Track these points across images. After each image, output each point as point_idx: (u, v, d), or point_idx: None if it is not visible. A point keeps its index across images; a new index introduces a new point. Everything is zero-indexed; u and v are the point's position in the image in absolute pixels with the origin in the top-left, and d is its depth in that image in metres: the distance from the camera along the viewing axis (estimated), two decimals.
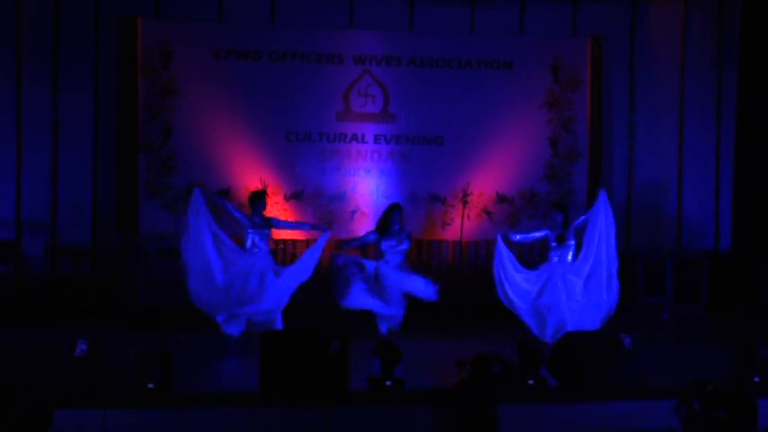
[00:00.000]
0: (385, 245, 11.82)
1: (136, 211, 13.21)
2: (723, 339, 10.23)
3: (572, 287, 10.81)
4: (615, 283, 10.93)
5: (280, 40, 13.62)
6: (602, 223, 10.90)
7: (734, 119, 14.20)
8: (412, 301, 11.82)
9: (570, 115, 14.12)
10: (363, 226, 13.33)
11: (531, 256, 12.75)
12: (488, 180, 13.89)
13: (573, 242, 11.06)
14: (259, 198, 11.58)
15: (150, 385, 7.75)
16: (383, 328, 11.62)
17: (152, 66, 13.31)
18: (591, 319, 10.75)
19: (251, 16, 13.65)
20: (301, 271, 11.42)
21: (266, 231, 11.41)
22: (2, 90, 13.08)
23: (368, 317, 11.57)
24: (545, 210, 13.90)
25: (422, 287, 11.65)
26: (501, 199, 13.88)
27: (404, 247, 11.87)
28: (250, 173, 13.51)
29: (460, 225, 13.64)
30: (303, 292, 11.57)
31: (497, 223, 13.71)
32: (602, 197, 11.03)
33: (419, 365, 9.29)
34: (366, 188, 13.74)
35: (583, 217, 11.18)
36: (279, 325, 11.15)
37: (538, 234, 11.40)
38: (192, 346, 10.25)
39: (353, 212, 13.66)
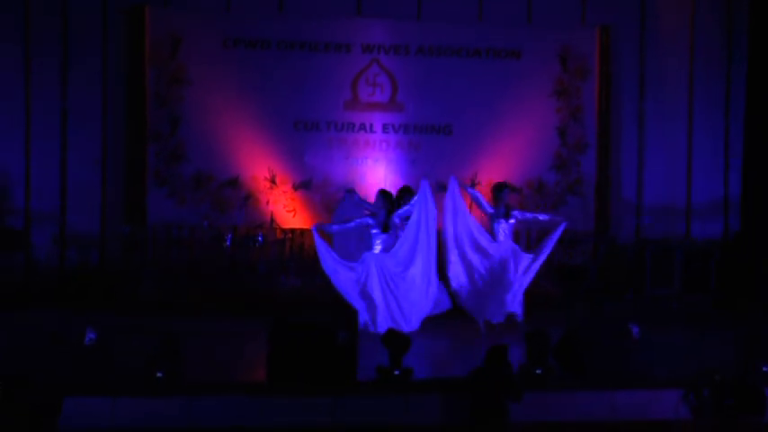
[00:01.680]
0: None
1: (144, 200, 13.22)
2: (731, 329, 10.22)
3: (392, 277, 10.53)
4: (434, 286, 10.68)
5: (287, 29, 13.61)
6: (423, 213, 10.59)
7: (743, 108, 14.15)
8: None
9: (579, 104, 14.10)
10: None
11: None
12: (496, 169, 13.86)
13: (398, 231, 10.77)
14: (502, 189, 11.59)
15: (159, 374, 7.78)
16: None
17: (160, 55, 13.31)
18: (415, 317, 10.57)
19: (259, 5, 13.65)
20: (539, 257, 11.37)
21: (510, 221, 11.43)
22: (10, 80, 13.09)
23: None
24: (553, 199, 13.92)
25: None
26: (509, 188, 13.84)
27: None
28: (258, 162, 13.53)
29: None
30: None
31: None
32: (424, 186, 10.66)
33: (427, 354, 9.30)
34: (374, 177, 13.73)
35: (406, 206, 10.86)
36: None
37: (354, 223, 10.95)
38: (200, 335, 10.25)
39: None
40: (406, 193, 11.77)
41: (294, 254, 13.20)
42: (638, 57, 14.21)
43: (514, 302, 11.14)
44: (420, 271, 10.57)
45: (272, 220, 13.30)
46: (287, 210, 13.51)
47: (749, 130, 14.07)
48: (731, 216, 14.29)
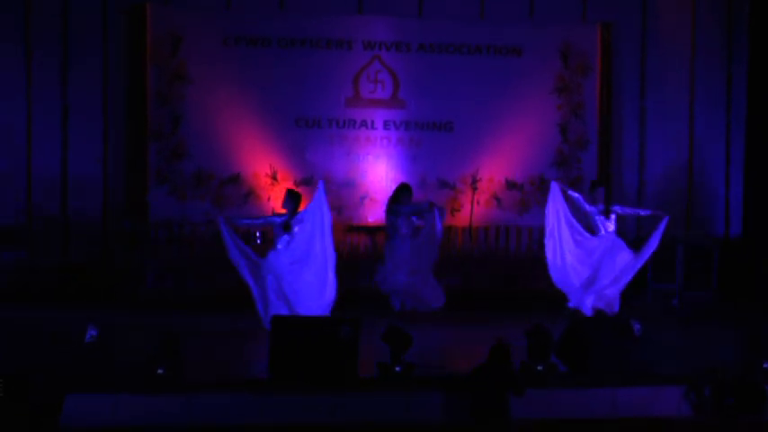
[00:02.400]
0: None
1: (145, 198, 13.23)
2: (733, 326, 10.21)
3: (287, 276, 10.61)
4: (331, 287, 10.71)
5: (289, 26, 13.61)
6: (317, 215, 10.66)
7: (744, 104, 14.15)
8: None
9: (580, 101, 14.09)
10: (372, 212, 13.36)
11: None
12: (498, 166, 13.88)
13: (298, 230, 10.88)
14: (595, 187, 11.79)
15: (160, 371, 7.78)
16: (396, 304, 11.86)
17: (161, 53, 13.30)
18: (316, 306, 10.62)
19: (259, 3, 13.68)
20: (643, 254, 11.59)
21: (610, 218, 11.57)
22: (12, 78, 13.10)
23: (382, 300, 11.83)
24: None
25: None
26: (510, 185, 13.86)
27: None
28: (259, 159, 13.53)
29: (470, 211, 13.65)
30: None
31: (506, 209, 13.75)
32: (320, 187, 10.74)
33: (428, 351, 9.29)
34: (375, 174, 13.74)
35: (307, 208, 10.93)
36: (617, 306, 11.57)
37: (261, 220, 11.31)
38: (201, 331, 10.26)
39: (362, 198, 13.68)
40: (404, 190, 11.89)
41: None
42: (638, 55, 14.22)
43: (611, 296, 11.48)
44: (314, 271, 10.69)
45: None
46: None
47: (750, 129, 14.06)
48: (732, 212, 14.28)
